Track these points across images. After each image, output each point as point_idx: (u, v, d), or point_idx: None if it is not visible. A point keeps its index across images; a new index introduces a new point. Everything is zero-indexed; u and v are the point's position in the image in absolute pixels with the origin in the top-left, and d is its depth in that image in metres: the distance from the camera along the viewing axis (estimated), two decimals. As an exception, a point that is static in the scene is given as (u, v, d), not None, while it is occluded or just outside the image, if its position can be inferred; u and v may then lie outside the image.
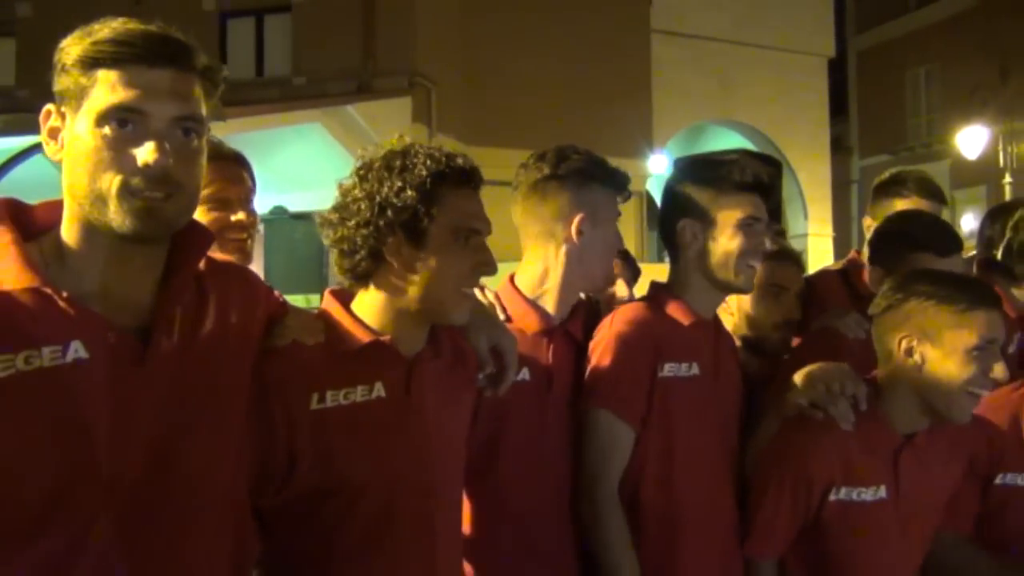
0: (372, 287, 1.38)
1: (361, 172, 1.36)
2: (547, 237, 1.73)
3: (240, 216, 1.75)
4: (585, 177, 1.71)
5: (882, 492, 1.72)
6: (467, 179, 1.39)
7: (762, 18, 13.62)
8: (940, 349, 1.66)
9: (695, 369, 1.74)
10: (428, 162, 1.34)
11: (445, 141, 9.15)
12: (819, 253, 14.02)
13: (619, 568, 1.66)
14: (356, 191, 1.35)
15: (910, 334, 1.69)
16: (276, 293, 1.41)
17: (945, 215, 2.48)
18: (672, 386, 1.71)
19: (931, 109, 21.20)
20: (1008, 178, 12.88)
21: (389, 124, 9.12)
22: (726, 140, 12.88)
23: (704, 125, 13.19)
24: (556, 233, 1.72)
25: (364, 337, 1.35)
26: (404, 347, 1.38)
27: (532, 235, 1.76)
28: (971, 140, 13.21)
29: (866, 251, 2.36)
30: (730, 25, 13.35)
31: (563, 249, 1.72)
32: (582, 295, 1.84)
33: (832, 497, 1.71)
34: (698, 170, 1.82)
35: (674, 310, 1.77)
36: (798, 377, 1.76)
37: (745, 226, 1.73)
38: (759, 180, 1.75)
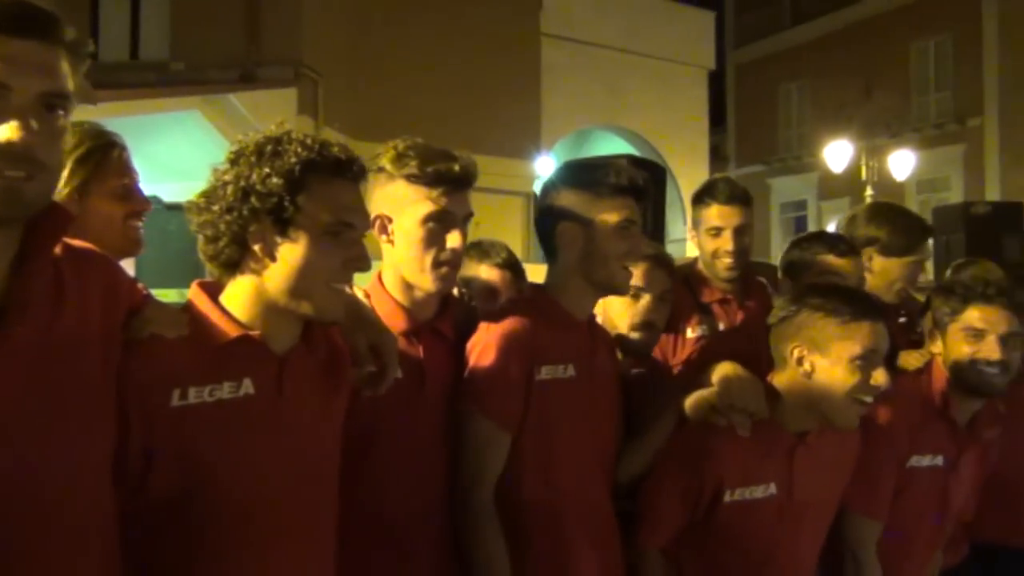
0: (240, 278, 1.33)
1: (232, 156, 1.32)
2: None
3: (139, 204, 1.70)
4: (387, 173, 1.66)
5: (772, 489, 1.84)
6: (343, 170, 1.33)
7: (648, 29, 14.02)
8: (827, 358, 1.79)
9: (571, 371, 1.75)
10: (300, 149, 1.29)
11: (331, 134, 8.97)
12: (697, 258, 14.50)
13: (489, 573, 1.65)
14: (226, 175, 1.31)
15: (801, 344, 1.82)
16: (140, 285, 1.34)
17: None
18: (549, 388, 1.72)
19: (801, 123, 22.33)
20: (869, 191, 13.69)
21: (273, 115, 8.80)
22: (612, 145, 13.17)
23: (591, 130, 13.45)
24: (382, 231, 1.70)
25: (232, 331, 1.30)
26: (275, 343, 1.34)
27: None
28: (837, 154, 13.95)
29: (703, 261, 2.56)
30: (617, 33, 13.68)
31: (384, 247, 1.71)
32: (455, 292, 1.84)
33: (727, 499, 1.82)
34: (577, 174, 1.84)
35: (551, 312, 1.78)
36: (715, 378, 1.86)
37: (622, 229, 1.76)
38: (635, 185, 1.78)
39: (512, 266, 2.41)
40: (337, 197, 1.32)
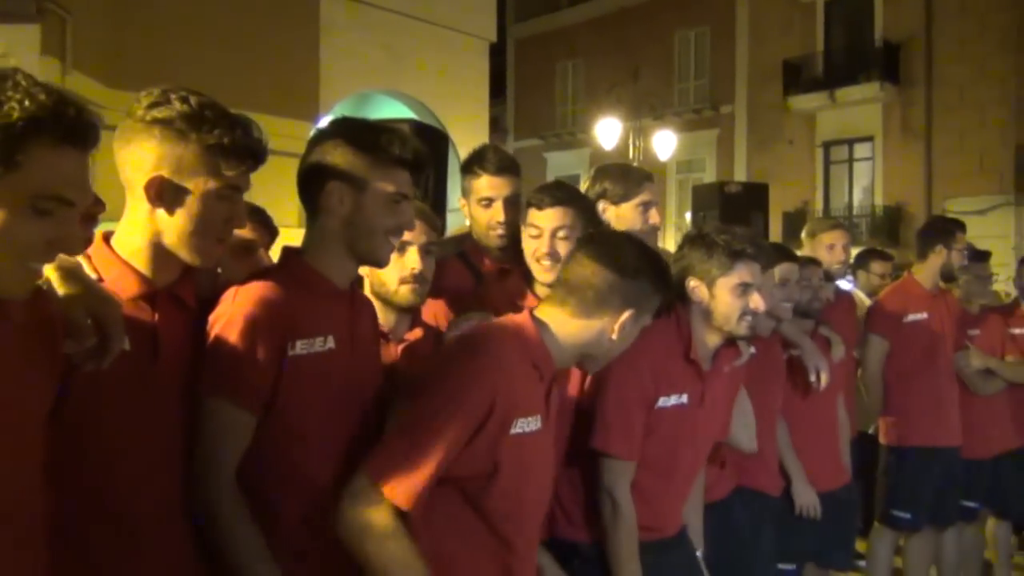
0: None
1: None
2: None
3: None
4: (177, 130, 1.45)
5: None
6: (76, 136, 1.12)
7: (431, -6, 13.89)
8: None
9: (330, 343, 1.63)
10: (27, 102, 1.06)
11: (81, 80, 8.06)
12: (476, 227, 14.69)
13: (241, 556, 1.50)
14: None
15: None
16: None
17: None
18: (304, 364, 1.58)
19: (576, 100, 23.32)
20: (635, 168, 14.52)
21: (11, 53, 7.82)
22: (394, 110, 12.95)
23: (372, 94, 13.13)
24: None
25: None
26: None
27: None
28: (607, 132, 14.67)
29: (476, 232, 2.54)
30: (400, -3, 13.43)
31: (138, 207, 1.49)
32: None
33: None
34: (359, 133, 1.68)
35: (308, 279, 1.64)
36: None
37: (395, 202, 1.66)
38: (419, 159, 1.69)
39: (258, 212, 2.22)
40: (59, 167, 1.11)
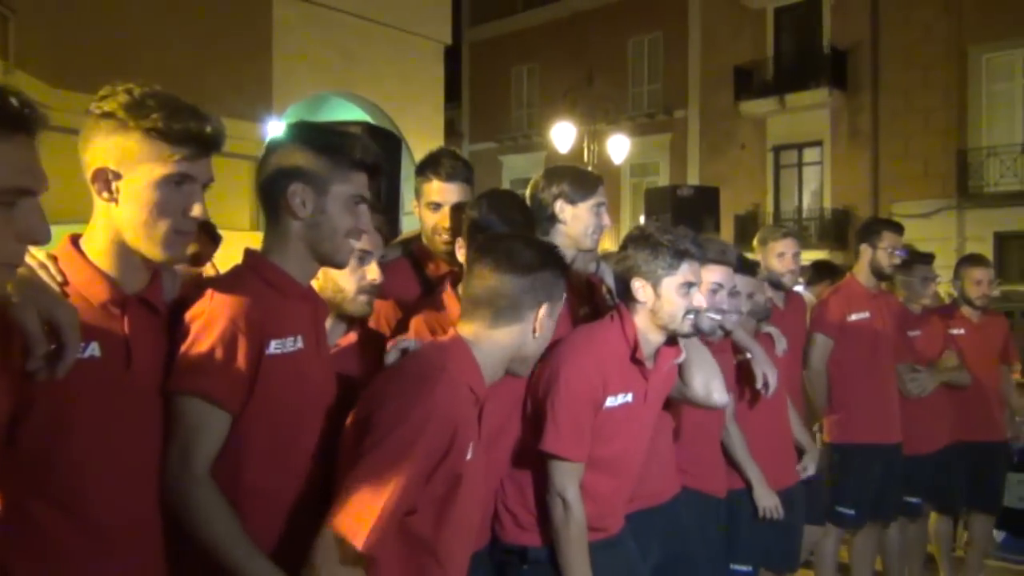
0: None
1: None
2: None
3: None
4: (118, 120, 1.44)
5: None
6: (22, 123, 1.10)
7: (385, -4, 13.83)
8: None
9: (299, 343, 1.65)
10: None
11: (24, 79, 7.88)
12: (431, 230, 14.61)
13: (220, 541, 1.49)
14: None
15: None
16: None
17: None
18: (279, 364, 1.59)
19: (531, 104, 23.39)
20: (590, 172, 14.62)
21: (-50, 51, 7.62)
22: (348, 112, 12.87)
23: (326, 96, 13.04)
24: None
25: None
26: None
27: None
28: (562, 136, 14.78)
29: (424, 235, 2.59)
30: (354, -1, 13.35)
31: (100, 205, 1.48)
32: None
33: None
34: (317, 137, 1.71)
35: (277, 280, 1.66)
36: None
37: (355, 204, 1.69)
38: (376, 162, 1.72)
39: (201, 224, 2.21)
40: (13, 157, 1.09)
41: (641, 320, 2.30)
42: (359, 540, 1.54)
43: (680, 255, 2.27)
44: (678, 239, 2.29)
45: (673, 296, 2.27)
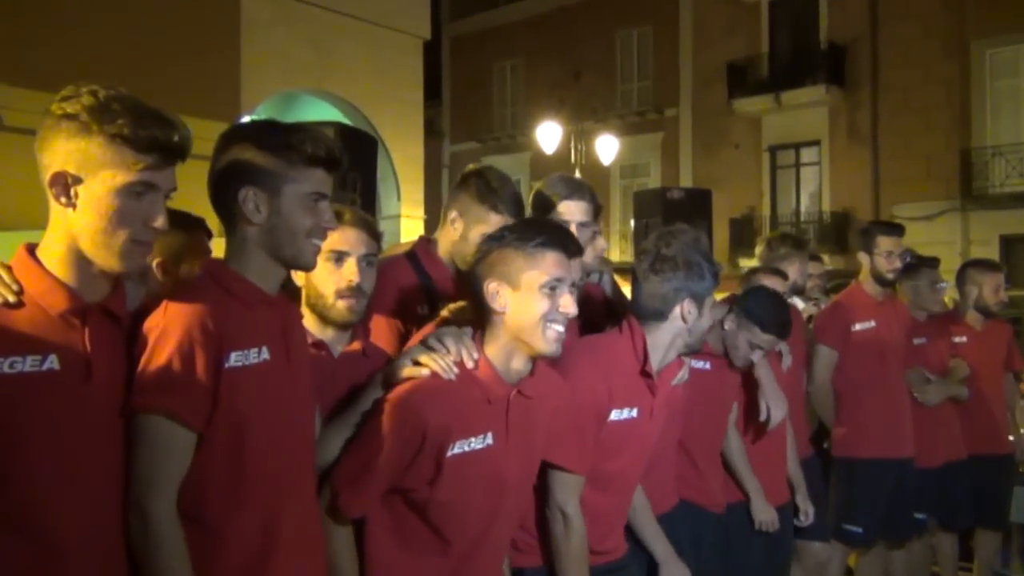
0: None
1: None
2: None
3: None
4: (81, 123, 1.44)
5: (489, 439, 1.89)
6: None
7: (360, -12, 13.81)
8: (519, 291, 1.88)
9: (265, 353, 1.64)
10: None
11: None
12: (412, 235, 14.57)
13: None
14: None
15: (496, 280, 1.90)
16: None
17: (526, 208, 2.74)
18: (240, 377, 1.58)
19: (515, 102, 23.44)
20: (578, 174, 14.70)
21: None
22: (321, 111, 12.84)
23: (298, 94, 13.01)
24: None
25: None
26: None
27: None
28: (548, 135, 14.84)
29: (448, 237, 2.58)
30: (326, -9, 13.33)
31: (57, 210, 1.48)
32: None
33: (449, 453, 1.82)
34: (267, 135, 1.68)
35: (238, 288, 1.65)
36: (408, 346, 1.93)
37: (314, 202, 1.67)
38: (332, 156, 1.70)
39: (197, 222, 2.26)
40: None
41: (660, 334, 2.35)
42: (351, 509, 1.85)
43: (714, 276, 2.39)
44: (711, 260, 2.40)
45: (704, 313, 2.38)
